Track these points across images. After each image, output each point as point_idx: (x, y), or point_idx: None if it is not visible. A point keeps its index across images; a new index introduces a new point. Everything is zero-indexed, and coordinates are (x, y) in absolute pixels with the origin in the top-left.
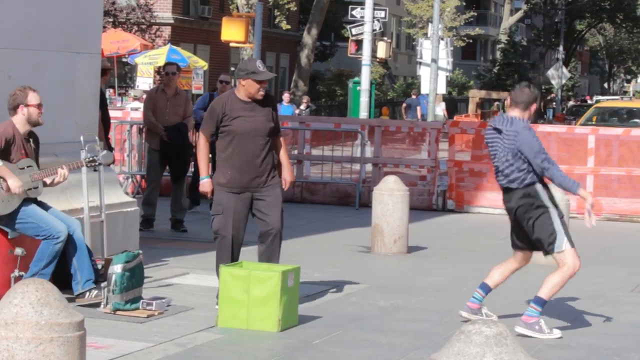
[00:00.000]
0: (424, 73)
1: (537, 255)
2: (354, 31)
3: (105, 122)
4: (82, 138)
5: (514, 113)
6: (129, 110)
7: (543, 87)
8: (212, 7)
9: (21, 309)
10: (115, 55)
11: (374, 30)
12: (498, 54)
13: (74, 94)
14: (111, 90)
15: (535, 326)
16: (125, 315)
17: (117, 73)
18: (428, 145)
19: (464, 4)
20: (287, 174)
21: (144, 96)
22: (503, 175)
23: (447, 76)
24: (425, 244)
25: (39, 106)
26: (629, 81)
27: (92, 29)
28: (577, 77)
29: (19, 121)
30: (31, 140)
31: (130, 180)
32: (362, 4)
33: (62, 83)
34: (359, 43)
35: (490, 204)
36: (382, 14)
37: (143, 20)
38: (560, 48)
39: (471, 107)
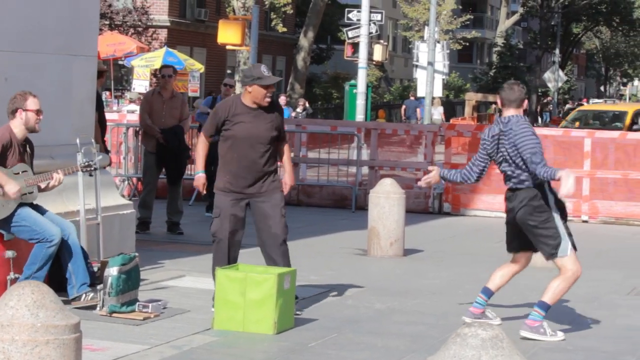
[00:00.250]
0: (420, 76)
1: (534, 258)
2: (350, 34)
3: (101, 124)
4: (78, 141)
5: (510, 112)
6: (125, 113)
7: (539, 90)
8: (208, 10)
9: (17, 311)
10: (111, 57)
11: (370, 33)
12: (494, 57)
13: (71, 97)
14: (107, 92)
15: (540, 329)
16: (121, 318)
17: (114, 76)
18: (424, 148)
19: (461, 7)
20: (288, 178)
21: (140, 98)
22: (514, 177)
23: (443, 79)
24: (422, 246)
25: (38, 112)
26: (625, 84)
27: (89, 32)
28: (574, 80)
29: (17, 125)
30: (27, 145)
31: (126, 182)
32: (358, 6)
33: (59, 85)
34: (355, 46)
35: (486, 207)
36: (379, 16)
37: (139, 23)
38: (557, 51)
39: (467, 110)
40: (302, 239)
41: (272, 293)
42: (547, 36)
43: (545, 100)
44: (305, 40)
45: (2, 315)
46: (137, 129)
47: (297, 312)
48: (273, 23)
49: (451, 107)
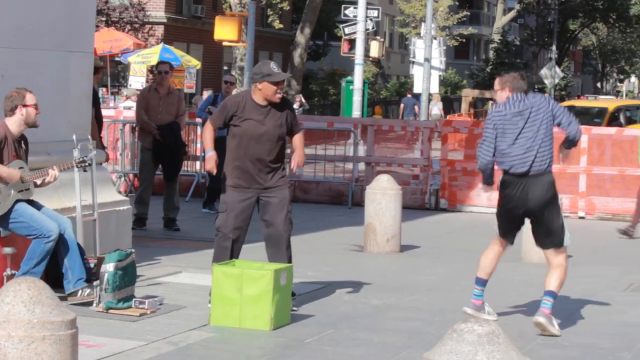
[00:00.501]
0: (416, 72)
1: (530, 254)
2: (346, 30)
3: (98, 120)
4: (74, 137)
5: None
6: (121, 109)
7: (536, 87)
8: (205, 7)
9: (13, 307)
10: (108, 54)
11: (366, 29)
12: (491, 54)
13: (67, 93)
14: (104, 89)
15: (552, 320)
16: (118, 314)
17: (110, 72)
18: (421, 144)
19: (457, 3)
20: (298, 155)
21: (137, 95)
22: (538, 159)
23: (440, 75)
24: (418, 243)
25: (36, 107)
26: (622, 81)
27: (85, 28)
28: (570, 77)
29: (14, 122)
30: (22, 142)
31: (123, 179)
32: (355, 3)
33: (55, 82)
34: (351, 42)
35: (483, 203)
36: (375, 13)
37: (136, 20)
38: (553, 48)
39: (464, 106)
40: (298, 235)
41: (268, 289)
42: (543, 33)
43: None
44: (301, 37)
45: None
46: (134, 125)
47: (294, 308)
48: (270, 19)
49: (449, 103)
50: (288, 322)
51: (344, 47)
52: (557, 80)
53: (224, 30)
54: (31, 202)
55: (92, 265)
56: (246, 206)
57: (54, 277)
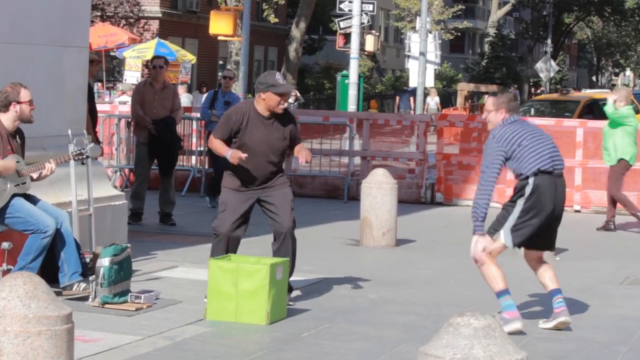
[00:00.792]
0: (412, 66)
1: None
2: (342, 24)
3: (92, 115)
4: (70, 132)
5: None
6: (117, 104)
7: (531, 81)
8: (200, 1)
9: (9, 302)
10: (103, 49)
11: (362, 23)
12: (486, 47)
13: (62, 88)
14: (99, 84)
15: None
16: (114, 309)
17: (105, 67)
18: (416, 138)
19: None
20: (305, 151)
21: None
22: (559, 156)
23: (435, 69)
24: (414, 236)
25: (31, 103)
26: (617, 74)
27: (80, 23)
28: (566, 70)
29: (8, 118)
30: (17, 136)
31: (118, 173)
32: None
33: (50, 77)
34: (347, 36)
35: None
36: (370, 7)
37: (131, 14)
38: (549, 41)
39: (460, 100)
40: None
41: (264, 284)
42: (538, 26)
43: (537, 91)
44: (297, 31)
45: None
46: (129, 120)
47: (290, 303)
48: (265, 14)
49: (447, 97)
50: (284, 316)
51: (339, 41)
52: (552, 74)
53: (219, 25)
54: (28, 197)
55: (88, 260)
56: (245, 207)
57: (50, 272)
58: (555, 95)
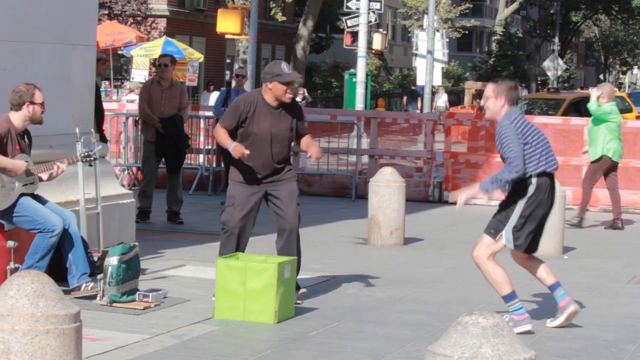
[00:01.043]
0: (419, 65)
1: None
2: (349, 23)
3: (99, 113)
4: (77, 130)
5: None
6: (124, 102)
7: (539, 79)
8: None
9: (17, 301)
10: (110, 47)
11: (369, 21)
12: (494, 46)
13: (70, 86)
14: (107, 82)
15: None
16: (122, 307)
17: (113, 65)
18: (424, 136)
19: None
20: (315, 147)
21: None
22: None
23: (443, 68)
24: (422, 235)
25: (43, 105)
26: (624, 72)
27: (87, 21)
28: (573, 69)
29: (19, 118)
30: (25, 136)
31: (126, 172)
32: None
33: (58, 75)
34: (354, 35)
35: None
36: (378, 5)
37: (138, 13)
38: (556, 39)
39: (467, 98)
40: (302, 228)
41: (272, 282)
42: (546, 24)
43: (545, 89)
44: (304, 29)
45: (2, 305)
46: (137, 118)
47: (298, 301)
48: (272, 12)
49: (457, 95)
50: (292, 315)
51: (347, 39)
52: (559, 72)
53: (227, 23)
54: (36, 197)
55: (96, 258)
56: (253, 201)
57: (57, 271)
58: (543, 94)
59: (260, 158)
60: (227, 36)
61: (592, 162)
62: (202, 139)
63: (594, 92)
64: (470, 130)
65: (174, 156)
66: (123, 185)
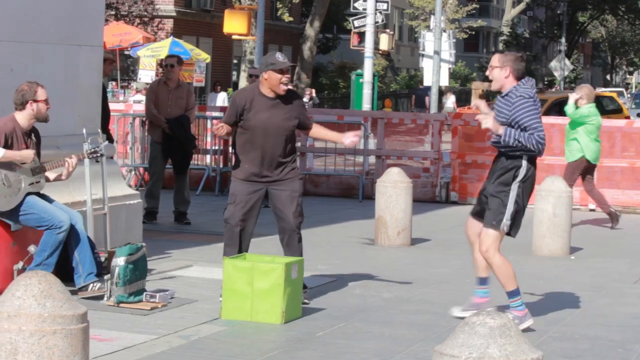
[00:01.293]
0: (426, 65)
1: (540, 247)
2: (356, 23)
3: (105, 114)
4: (84, 130)
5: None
6: (131, 103)
7: (546, 79)
8: (214, 0)
9: (24, 302)
10: (117, 48)
11: (376, 22)
12: (500, 46)
13: (77, 87)
14: (114, 83)
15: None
16: (129, 308)
17: (120, 66)
18: (431, 137)
19: None
20: (341, 136)
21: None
22: None
23: (450, 68)
24: (429, 236)
25: (47, 101)
26: (631, 73)
27: (94, 22)
28: (580, 69)
29: (24, 116)
30: (32, 134)
31: (133, 172)
32: None
33: (65, 75)
34: (361, 35)
35: None
36: (384, 6)
37: (145, 13)
38: (563, 40)
39: (474, 99)
40: (309, 229)
41: (279, 282)
42: (552, 25)
43: (552, 90)
44: (311, 30)
45: (9, 306)
46: (144, 119)
47: (305, 302)
48: (279, 12)
49: (466, 96)
50: (299, 315)
51: (354, 40)
52: (566, 73)
53: (234, 24)
54: (42, 196)
55: (102, 259)
56: (254, 198)
57: (64, 271)
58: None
59: (261, 150)
60: (234, 37)
61: (569, 162)
62: (209, 139)
63: (572, 95)
64: (477, 130)
65: (181, 157)
66: (130, 186)
